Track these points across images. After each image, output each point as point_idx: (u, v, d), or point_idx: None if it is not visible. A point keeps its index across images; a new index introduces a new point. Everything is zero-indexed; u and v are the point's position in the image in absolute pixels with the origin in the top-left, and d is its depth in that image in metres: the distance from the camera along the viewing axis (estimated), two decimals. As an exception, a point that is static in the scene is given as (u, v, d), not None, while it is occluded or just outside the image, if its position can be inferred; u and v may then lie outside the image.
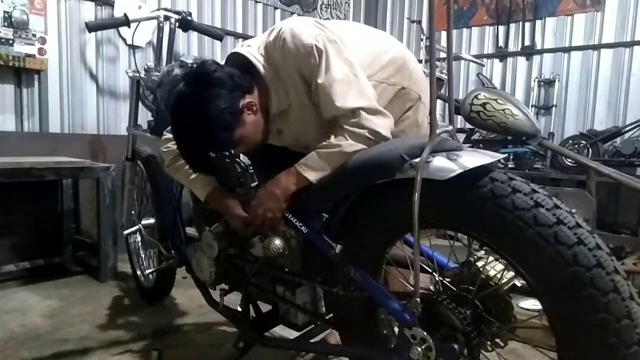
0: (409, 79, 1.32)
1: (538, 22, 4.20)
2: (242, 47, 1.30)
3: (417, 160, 0.97)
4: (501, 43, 4.39)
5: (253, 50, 1.27)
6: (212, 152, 1.32)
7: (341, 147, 1.14)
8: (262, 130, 1.31)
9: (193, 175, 1.44)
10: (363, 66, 1.21)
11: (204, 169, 1.38)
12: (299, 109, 1.26)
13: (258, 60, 1.25)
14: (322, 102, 1.19)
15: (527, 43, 4.25)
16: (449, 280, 1.12)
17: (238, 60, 1.28)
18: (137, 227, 2.25)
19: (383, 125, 1.15)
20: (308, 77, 1.20)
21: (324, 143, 1.17)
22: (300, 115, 1.27)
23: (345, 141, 1.14)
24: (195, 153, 1.31)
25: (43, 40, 2.80)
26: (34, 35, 2.75)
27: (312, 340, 1.58)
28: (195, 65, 1.28)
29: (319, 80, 1.17)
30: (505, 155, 3.76)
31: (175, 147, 1.43)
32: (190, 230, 1.96)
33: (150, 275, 2.23)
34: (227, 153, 1.41)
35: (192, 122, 1.23)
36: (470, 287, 1.06)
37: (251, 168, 1.58)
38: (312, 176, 1.18)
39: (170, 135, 1.50)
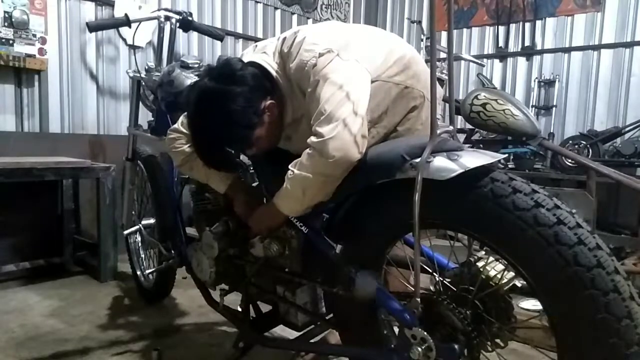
0: (413, 77, 1.32)
1: (538, 23, 4.20)
2: (257, 54, 1.31)
3: (417, 160, 0.97)
4: (501, 43, 4.39)
5: (269, 59, 1.28)
6: (228, 148, 1.31)
7: (292, 174, 1.14)
8: (277, 134, 1.33)
9: (209, 170, 1.45)
10: (371, 69, 1.21)
11: (217, 164, 1.39)
12: (309, 119, 1.26)
13: (274, 69, 1.27)
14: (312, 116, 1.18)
15: (527, 43, 4.25)
16: (449, 280, 1.12)
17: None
18: (137, 227, 2.25)
19: (335, 147, 1.06)
20: (303, 89, 1.22)
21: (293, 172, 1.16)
22: (309, 126, 1.27)
23: (296, 167, 1.13)
24: (211, 148, 1.32)
25: (43, 41, 2.80)
26: (34, 35, 2.75)
27: (312, 340, 1.58)
28: (220, 62, 1.29)
29: (307, 98, 1.19)
30: (506, 155, 3.75)
31: (185, 146, 1.46)
32: (190, 230, 1.96)
33: (151, 276, 2.23)
34: (237, 152, 1.42)
35: (214, 116, 1.24)
36: (471, 288, 1.06)
37: (251, 168, 1.58)
38: (284, 207, 1.22)
39: (175, 135, 1.51)
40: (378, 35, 1.37)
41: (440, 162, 0.96)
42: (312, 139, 1.11)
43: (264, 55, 1.30)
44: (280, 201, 1.22)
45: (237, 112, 1.20)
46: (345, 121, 1.07)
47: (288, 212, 1.23)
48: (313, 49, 1.19)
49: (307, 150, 1.12)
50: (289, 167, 1.17)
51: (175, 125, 1.51)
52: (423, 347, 1.02)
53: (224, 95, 1.21)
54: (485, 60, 4.40)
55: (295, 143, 1.36)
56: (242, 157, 1.51)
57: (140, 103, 2.24)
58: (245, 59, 1.31)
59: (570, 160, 3.60)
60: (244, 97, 1.20)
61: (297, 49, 1.22)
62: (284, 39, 1.29)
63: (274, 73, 1.27)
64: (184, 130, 1.46)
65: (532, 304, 1.83)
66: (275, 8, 4.27)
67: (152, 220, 2.20)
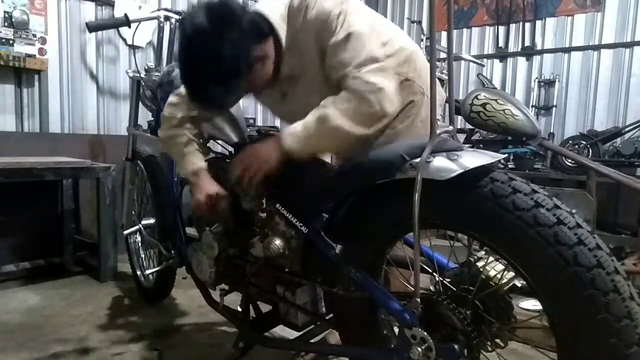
0: (414, 71, 1.32)
1: (538, 23, 4.20)
2: (264, 6, 1.30)
3: (417, 160, 0.97)
4: (501, 43, 4.39)
5: (275, 13, 1.28)
6: (213, 88, 1.30)
7: (325, 109, 1.14)
8: (265, 84, 1.33)
9: (186, 149, 1.48)
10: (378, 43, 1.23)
11: (200, 100, 1.37)
12: (310, 77, 1.28)
13: (276, 19, 1.27)
14: (334, 60, 1.19)
15: (527, 43, 4.25)
16: (449, 280, 1.12)
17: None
18: (137, 227, 2.25)
19: (387, 85, 1.12)
20: (325, 44, 1.21)
21: (315, 111, 1.17)
22: (308, 85, 1.29)
23: (333, 102, 1.14)
24: (196, 83, 1.31)
25: (43, 41, 2.80)
26: (34, 36, 2.75)
27: (312, 341, 1.58)
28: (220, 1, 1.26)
29: (334, 38, 1.18)
30: (506, 155, 3.75)
31: (179, 114, 1.49)
32: (190, 230, 1.96)
33: (151, 276, 2.23)
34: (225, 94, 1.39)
35: (203, 55, 1.22)
36: (471, 288, 1.06)
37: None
38: (291, 142, 1.19)
39: (176, 100, 1.52)
40: (387, 21, 1.38)
41: (440, 162, 0.96)
42: (360, 85, 1.11)
43: (270, 8, 1.29)
44: (289, 132, 1.20)
45: (225, 57, 1.18)
46: (392, 74, 1.12)
47: (288, 147, 1.20)
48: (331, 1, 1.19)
49: (349, 94, 1.12)
50: (322, 102, 1.16)
51: (181, 89, 1.51)
52: (423, 347, 1.02)
53: (216, 37, 1.18)
54: (485, 60, 4.41)
55: (290, 102, 1.36)
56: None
57: (140, 103, 2.24)
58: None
59: (570, 161, 3.60)
60: (237, 43, 1.19)
61: (311, 5, 1.21)
62: None
63: (277, 25, 1.26)
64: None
65: (532, 304, 1.83)
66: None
67: (152, 220, 2.20)
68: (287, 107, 1.40)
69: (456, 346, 1.00)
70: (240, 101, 1.52)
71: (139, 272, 2.40)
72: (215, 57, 1.18)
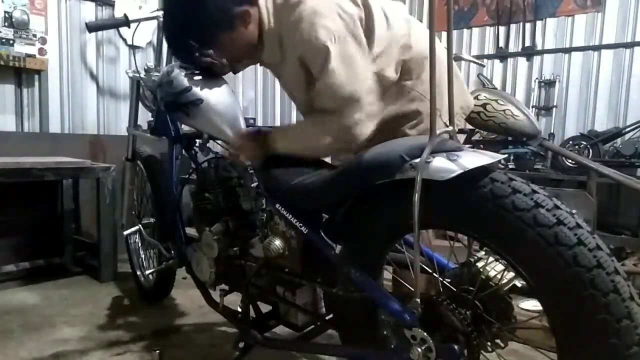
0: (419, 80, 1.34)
1: (539, 23, 4.20)
2: None
3: (417, 160, 0.97)
4: (502, 44, 4.39)
5: None
6: (193, 41, 1.32)
7: (307, 133, 1.27)
8: (246, 52, 1.36)
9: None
10: (382, 44, 1.25)
11: (180, 54, 1.42)
12: (290, 70, 1.29)
13: (267, 9, 1.28)
14: (315, 96, 1.23)
15: (527, 44, 4.25)
16: (449, 280, 1.11)
17: None
18: (137, 227, 2.25)
19: (362, 131, 1.19)
20: (308, 66, 1.23)
21: (300, 120, 1.31)
22: (290, 77, 1.32)
23: (313, 128, 1.25)
24: (177, 36, 1.35)
25: (43, 41, 2.80)
26: (34, 36, 2.75)
27: (312, 341, 1.58)
28: None
29: (318, 82, 1.20)
30: (506, 155, 3.75)
31: None
32: (190, 231, 1.96)
33: (150, 276, 2.23)
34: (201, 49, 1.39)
35: (187, 6, 1.26)
36: (471, 288, 1.06)
37: (251, 169, 1.58)
38: (276, 139, 1.31)
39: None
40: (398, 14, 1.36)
41: (439, 162, 0.96)
42: (337, 129, 1.19)
43: None
44: (278, 133, 1.35)
45: (207, 10, 1.22)
46: (368, 111, 1.18)
47: (274, 145, 1.33)
48: (327, 26, 1.16)
49: (326, 132, 1.20)
50: (311, 114, 1.27)
51: None
52: (423, 348, 1.02)
53: None
54: (485, 60, 4.40)
55: (283, 85, 1.42)
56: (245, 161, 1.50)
57: (140, 103, 2.24)
58: None
59: (570, 161, 3.60)
60: None
61: (306, 21, 1.18)
62: None
63: (264, 12, 1.28)
64: None
65: (532, 305, 1.83)
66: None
67: (152, 221, 2.19)
68: (283, 84, 1.44)
69: (456, 347, 1.00)
70: (241, 101, 1.53)
71: (138, 272, 2.40)
72: (198, 4, 1.23)
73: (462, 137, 1.40)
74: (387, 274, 1.42)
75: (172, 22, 1.34)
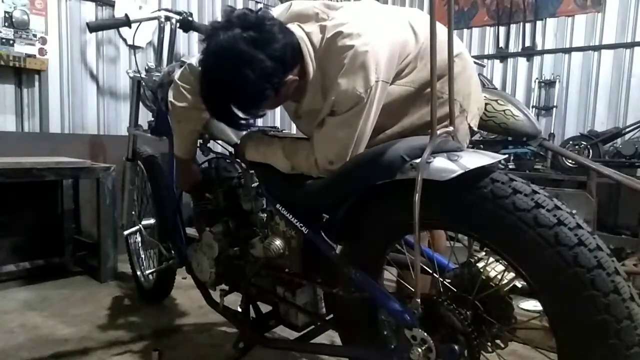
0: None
1: (539, 23, 4.19)
2: (295, 26, 1.23)
3: (417, 160, 0.97)
4: (502, 44, 4.39)
5: (307, 41, 1.21)
6: (234, 106, 1.24)
7: (276, 155, 1.33)
8: (282, 103, 1.36)
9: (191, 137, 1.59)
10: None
11: (222, 117, 1.34)
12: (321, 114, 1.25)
13: (310, 50, 1.20)
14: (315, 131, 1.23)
15: (527, 44, 4.24)
16: (449, 281, 1.11)
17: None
18: (137, 227, 2.25)
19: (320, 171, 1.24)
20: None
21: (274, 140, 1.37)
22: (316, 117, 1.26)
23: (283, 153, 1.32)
24: (217, 98, 1.24)
25: (44, 41, 2.80)
26: (34, 36, 2.75)
27: (312, 341, 1.58)
28: (258, 16, 1.16)
29: (329, 117, 1.18)
30: (506, 156, 3.72)
31: (187, 96, 1.45)
32: (190, 231, 1.96)
33: (151, 276, 2.23)
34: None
35: (232, 75, 1.14)
36: (471, 288, 1.06)
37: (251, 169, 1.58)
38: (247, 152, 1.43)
39: (181, 71, 1.47)
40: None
41: (440, 162, 0.96)
42: (325, 165, 1.20)
43: (303, 33, 1.21)
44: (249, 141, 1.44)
45: (253, 84, 1.13)
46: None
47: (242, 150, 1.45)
48: (369, 75, 1.11)
49: (312, 157, 1.22)
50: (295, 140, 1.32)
51: (194, 61, 1.42)
52: (423, 348, 1.02)
53: (249, 61, 1.11)
54: (485, 60, 4.40)
55: (302, 124, 1.38)
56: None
57: (140, 103, 2.24)
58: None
59: (570, 161, 3.60)
60: (268, 72, 1.12)
61: (353, 64, 1.12)
62: (337, 25, 1.17)
63: (307, 55, 1.20)
64: None
65: (532, 305, 1.84)
66: (276, 8, 4.26)
67: (152, 220, 2.19)
68: (300, 126, 1.40)
69: (456, 347, 1.00)
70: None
71: (139, 273, 2.40)
72: (244, 77, 1.12)
73: (466, 137, 1.36)
74: (391, 276, 1.42)
75: (214, 85, 1.21)
